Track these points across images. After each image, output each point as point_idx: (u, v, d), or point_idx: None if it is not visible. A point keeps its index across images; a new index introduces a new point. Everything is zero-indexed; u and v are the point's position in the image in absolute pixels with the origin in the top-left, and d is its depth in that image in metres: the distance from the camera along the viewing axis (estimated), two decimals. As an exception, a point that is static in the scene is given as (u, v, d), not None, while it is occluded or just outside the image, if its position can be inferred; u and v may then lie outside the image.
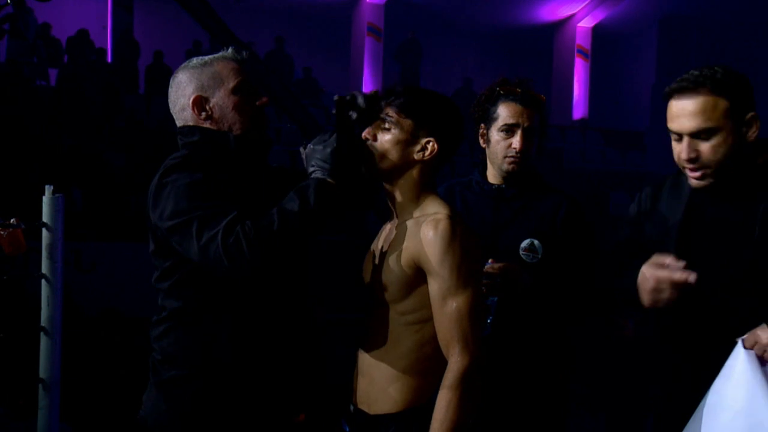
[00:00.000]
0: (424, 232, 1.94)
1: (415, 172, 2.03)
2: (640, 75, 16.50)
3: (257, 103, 2.13)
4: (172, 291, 2.05)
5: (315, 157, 1.99)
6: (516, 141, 2.60)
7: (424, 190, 2.05)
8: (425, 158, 2.02)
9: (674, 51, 15.96)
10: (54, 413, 2.91)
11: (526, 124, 2.60)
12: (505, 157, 2.62)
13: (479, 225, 2.62)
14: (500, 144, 2.63)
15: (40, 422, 2.89)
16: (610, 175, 13.06)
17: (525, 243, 2.58)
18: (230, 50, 2.17)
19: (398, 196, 2.06)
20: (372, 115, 2.05)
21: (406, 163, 2.02)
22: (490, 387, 2.52)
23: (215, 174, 1.97)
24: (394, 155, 2.02)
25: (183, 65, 2.16)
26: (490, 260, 2.48)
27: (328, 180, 1.95)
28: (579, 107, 16.95)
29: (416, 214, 2.03)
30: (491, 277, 2.45)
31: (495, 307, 2.47)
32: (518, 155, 2.60)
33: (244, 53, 2.20)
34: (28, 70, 11.62)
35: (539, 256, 2.58)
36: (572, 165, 13.00)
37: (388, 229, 2.11)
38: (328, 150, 1.98)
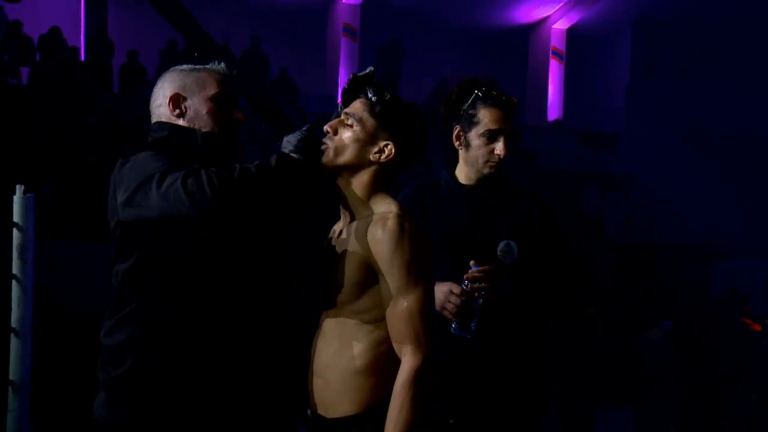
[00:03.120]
0: (373, 231, 1.94)
1: (368, 173, 2.03)
2: (615, 76, 16.62)
3: (233, 116, 2.18)
4: (123, 282, 2.05)
5: (288, 141, 2.04)
6: (499, 147, 2.60)
7: (375, 191, 2.04)
8: (381, 161, 2.02)
9: (648, 53, 16.11)
10: (24, 415, 2.88)
11: (508, 130, 2.61)
12: (487, 162, 2.63)
13: (454, 225, 2.62)
14: (482, 149, 2.62)
15: (10, 425, 2.86)
16: (584, 175, 13.14)
17: (502, 245, 2.58)
18: (222, 65, 2.24)
19: (349, 196, 2.05)
20: (356, 94, 2.06)
21: (360, 163, 2.02)
22: (474, 387, 2.55)
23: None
24: (350, 153, 2.01)
25: (173, 67, 2.24)
26: (472, 262, 2.48)
27: (291, 154, 1.99)
28: (554, 108, 17.04)
29: (366, 213, 2.02)
30: (477, 281, 2.46)
31: (480, 309, 2.48)
32: (501, 161, 2.62)
33: (234, 71, 2.26)
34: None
35: (515, 257, 2.59)
36: (546, 166, 13.06)
37: (338, 230, 2.10)
38: (299, 136, 2.02)
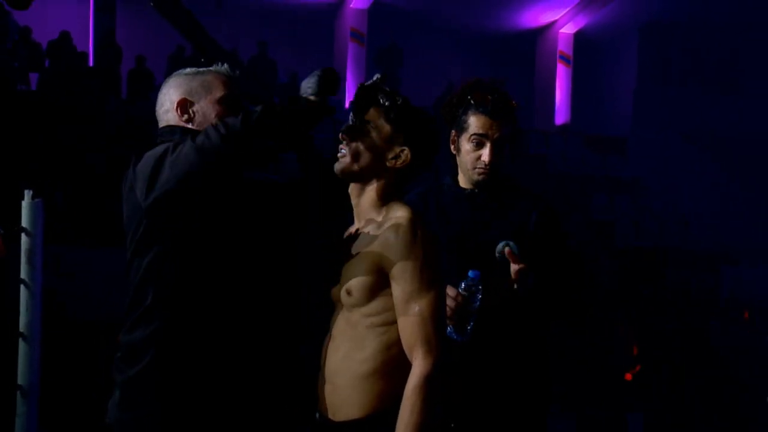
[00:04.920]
0: (385, 236, 1.95)
1: (383, 179, 2.04)
2: (622, 81, 16.60)
3: None
4: (141, 282, 2.06)
5: (305, 86, 2.00)
6: (485, 154, 2.60)
7: (389, 196, 2.05)
8: (396, 166, 2.03)
9: (655, 57, 16.09)
10: (32, 420, 2.89)
11: (495, 136, 2.60)
12: (475, 168, 2.63)
13: (455, 229, 2.63)
14: (470, 155, 2.63)
15: (18, 429, 2.87)
16: (592, 179, 13.13)
17: (501, 245, 2.58)
18: (225, 66, 2.23)
19: (363, 200, 2.06)
20: (365, 103, 2.06)
21: (376, 168, 2.03)
22: (472, 391, 2.55)
23: None
24: (366, 159, 2.02)
25: (177, 72, 2.22)
26: (470, 270, 2.48)
27: (301, 96, 1.97)
28: (561, 113, 17.03)
29: (379, 218, 2.03)
30: (474, 285, 2.46)
31: (476, 313, 2.48)
32: (487, 167, 2.61)
33: (237, 72, 2.25)
34: (8, 75, 11.52)
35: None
36: (555, 170, 13.05)
37: (351, 233, 2.11)
38: (314, 78, 1.98)
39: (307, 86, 1.99)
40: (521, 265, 2.47)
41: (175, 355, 2.02)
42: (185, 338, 2.03)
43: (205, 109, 2.14)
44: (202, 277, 2.03)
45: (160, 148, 2.00)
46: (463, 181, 2.72)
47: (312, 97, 1.96)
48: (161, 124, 2.19)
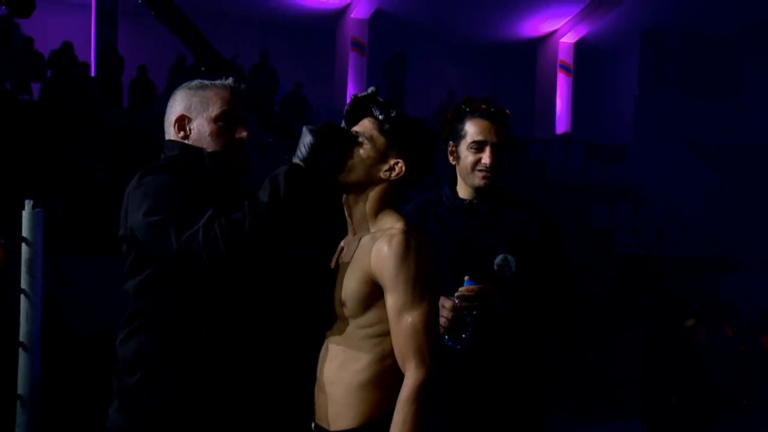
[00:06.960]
0: (378, 247, 1.95)
1: (377, 190, 2.04)
2: (622, 89, 16.62)
3: (236, 136, 2.18)
4: (137, 293, 2.09)
5: (301, 140, 2.01)
6: (486, 157, 2.63)
7: (383, 207, 2.05)
8: (391, 178, 2.04)
9: (655, 65, 16.12)
10: (32, 430, 2.90)
11: (494, 140, 2.64)
12: (476, 172, 2.65)
13: (452, 239, 2.65)
14: (469, 159, 2.66)
15: (18, 439, 2.88)
16: (593, 187, 13.13)
17: (499, 259, 2.61)
18: (230, 79, 2.24)
19: (358, 212, 2.07)
20: (358, 115, 2.07)
21: (371, 180, 2.04)
22: (469, 400, 2.56)
23: (191, 181, 2.05)
24: (360, 170, 2.03)
25: (185, 83, 2.24)
26: (466, 277, 2.50)
27: (300, 165, 1.97)
28: (562, 121, 17.05)
29: (373, 229, 2.04)
30: (469, 299, 2.48)
31: (471, 323, 2.49)
32: (489, 170, 2.64)
33: (242, 85, 2.25)
34: (10, 85, 11.56)
35: (513, 271, 2.61)
36: (555, 178, 13.06)
37: (345, 245, 2.12)
38: (309, 137, 1.99)
39: (302, 146, 1.98)
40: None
41: (168, 369, 2.05)
42: (178, 353, 2.05)
43: (201, 127, 2.16)
44: (196, 294, 2.05)
45: (162, 197, 2.00)
46: (462, 192, 2.74)
47: (302, 164, 1.97)
48: (166, 135, 2.23)
